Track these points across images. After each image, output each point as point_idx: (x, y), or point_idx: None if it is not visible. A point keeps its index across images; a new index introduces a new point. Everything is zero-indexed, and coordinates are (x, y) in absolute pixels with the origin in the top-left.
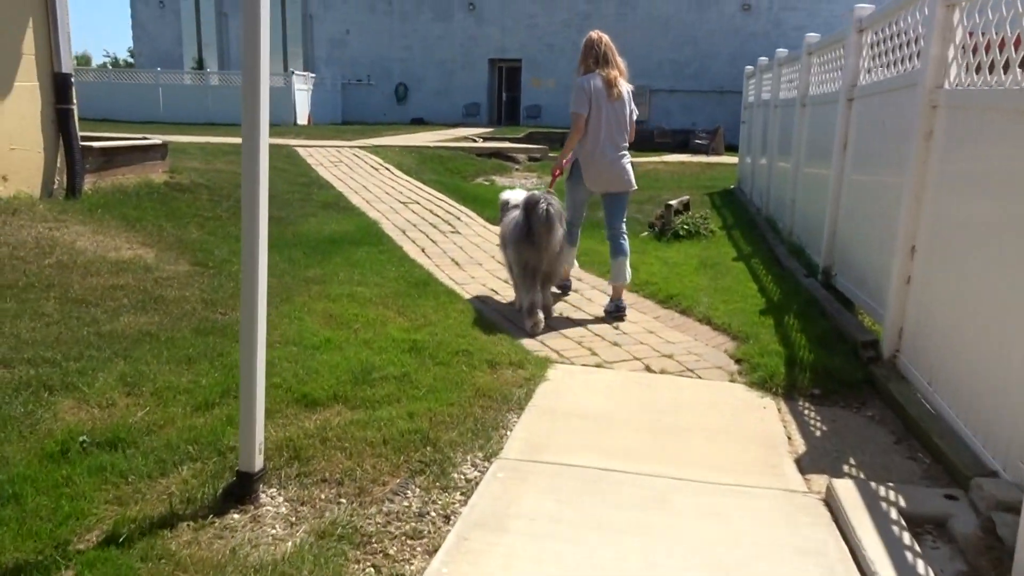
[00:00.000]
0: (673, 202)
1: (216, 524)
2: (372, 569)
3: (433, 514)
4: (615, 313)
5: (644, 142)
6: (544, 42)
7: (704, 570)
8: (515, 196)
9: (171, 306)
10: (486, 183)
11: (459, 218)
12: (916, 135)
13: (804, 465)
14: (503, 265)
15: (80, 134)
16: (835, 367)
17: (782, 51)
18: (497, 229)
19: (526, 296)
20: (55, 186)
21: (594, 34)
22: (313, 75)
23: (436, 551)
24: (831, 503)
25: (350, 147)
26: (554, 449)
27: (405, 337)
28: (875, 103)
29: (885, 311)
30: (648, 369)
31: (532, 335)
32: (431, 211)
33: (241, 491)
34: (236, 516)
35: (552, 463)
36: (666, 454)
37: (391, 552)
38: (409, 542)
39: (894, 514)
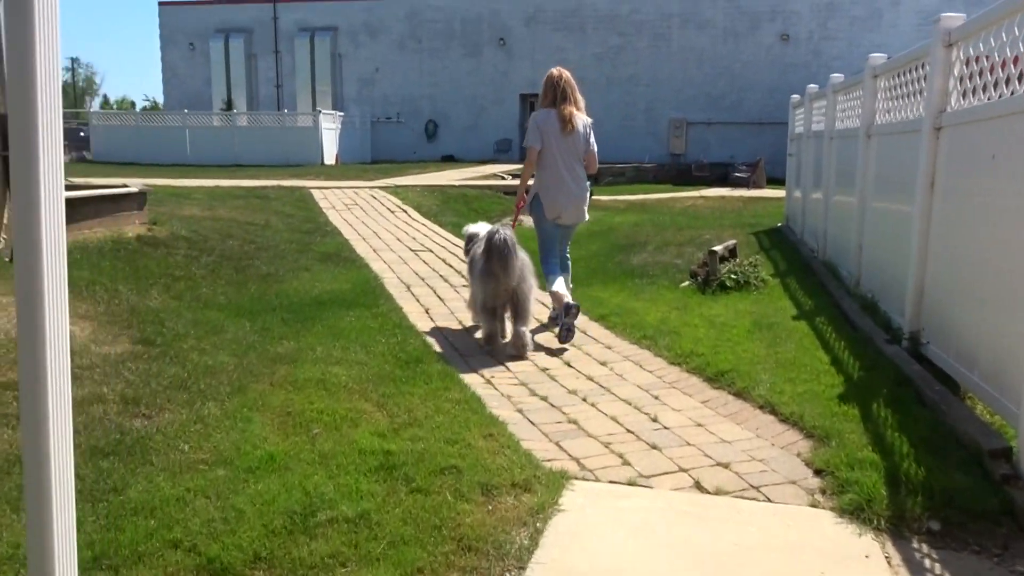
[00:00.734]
0: (718, 248)
1: None
2: None
3: None
4: (563, 331)
5: (682, 175)
6: (576, 76)
7: None
8: (480, 229)
9: (76, 410)
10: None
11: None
12: None
13: None
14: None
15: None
16: (956, 488)
17: (837, 76)
18: None
19: (484, 325)
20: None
21: (555, 71)
22: (341, 114)
23: None
24: None
25: (370, 187)
26: None
27: (377, 447)
28: (979, 132)
29: (1021, 408)
30: (699, 486)
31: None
32: (444, 260)
33: None
34: None
35: None
36: None
37: None
38: None
39: None
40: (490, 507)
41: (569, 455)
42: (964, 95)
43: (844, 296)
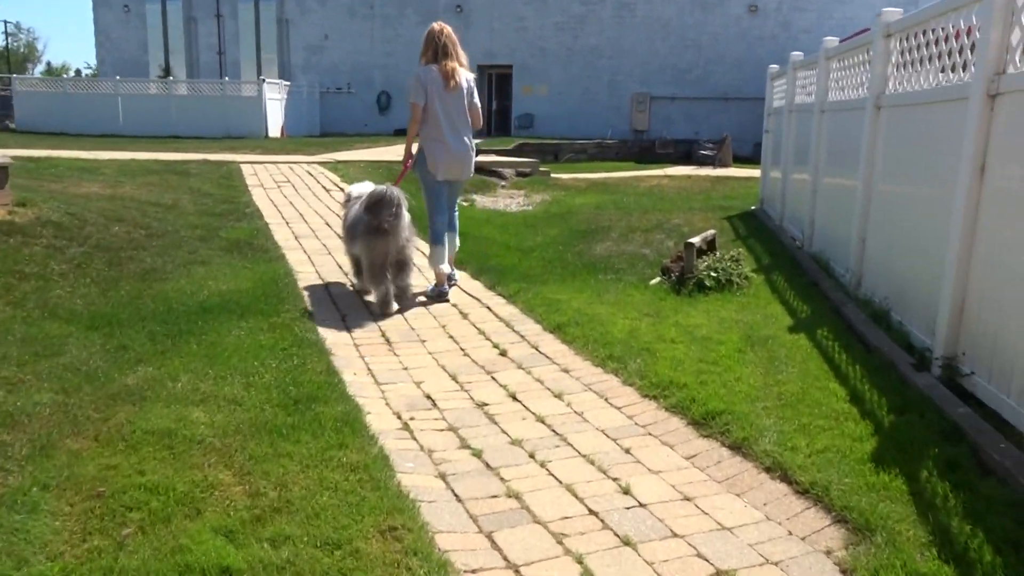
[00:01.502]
0: (695, 240)
1: None
2: None
3: None
4: (437, 298)
5: (645, 152)
6: (536, 46)
7: None
8: (361, 189)
9: None
10: (464, 204)
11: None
12: None
13: None
14: (349, 260)
15: None
16: None
17: (831, 39)
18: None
19: (378, 288)
20: None
21: (436, 26)
22: (288, 84)
23: None
24: None
25: (308, 162)
26: None
27: (214, 560)
28: None
29: None
30: None
31: (384, 317)
32: None
33: None
34: None
35: None
36: None
37: None
38: None
39: None
40: None
41: (506, 560)
42: None
43: (845, 301)
